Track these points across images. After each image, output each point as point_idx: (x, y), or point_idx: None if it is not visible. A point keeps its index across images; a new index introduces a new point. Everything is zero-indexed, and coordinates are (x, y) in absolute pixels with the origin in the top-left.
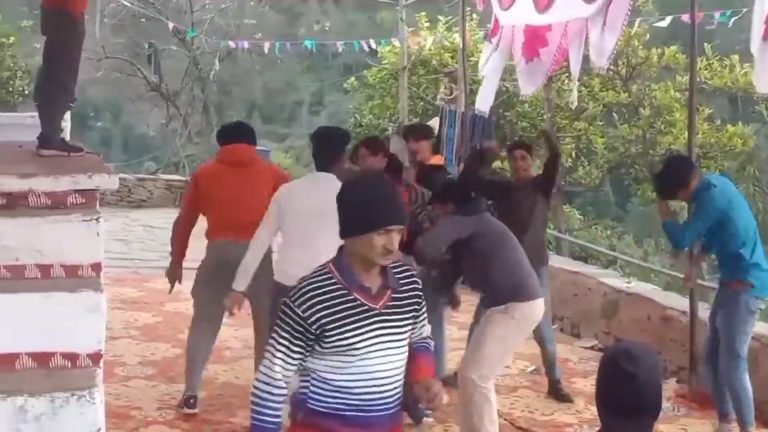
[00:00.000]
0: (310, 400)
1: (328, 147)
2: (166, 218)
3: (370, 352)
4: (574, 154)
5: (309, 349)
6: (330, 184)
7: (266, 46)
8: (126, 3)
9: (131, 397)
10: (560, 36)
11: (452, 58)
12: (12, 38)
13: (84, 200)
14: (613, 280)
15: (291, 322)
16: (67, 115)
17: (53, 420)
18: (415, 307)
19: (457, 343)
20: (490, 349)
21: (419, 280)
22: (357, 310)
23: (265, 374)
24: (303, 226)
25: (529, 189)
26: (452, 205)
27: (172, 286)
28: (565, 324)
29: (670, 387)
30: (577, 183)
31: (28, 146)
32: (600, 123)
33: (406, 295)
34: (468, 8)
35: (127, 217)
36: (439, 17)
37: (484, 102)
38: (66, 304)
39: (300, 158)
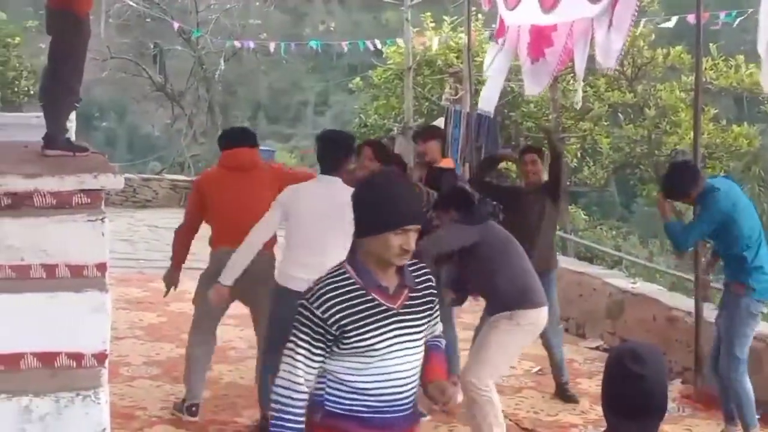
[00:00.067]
0: (327, 402)
1: (333, 150)
2: (171, 218)
3: (389, 352)
4: (579, 155)
5: (329, 350)
6: (335, 187)
7: (271, 46)
8: (131, 3)
9: (136, 397)
10: (566, 36)
11: (457, 58)
12: (17, 38)
13: (89, 200)
14: (619, 280)
15: (310, 324)
16: (73, 115)
17: (58, 420)
18: (431, 305)
19: (462, 344)
20: (492, 354)
21: (433, 277)
22: (376, 310)
23: (286, 379)
24: (308, 229)
25: (539, 193)
26: (455, 213)
27: (168, 291)
28: (570, 324)
29: (675, 388)
30: (582, 183)
31: (33, 146)
32: (605, 123)
33: (421, 293)
34: (473, 8)
35: (132, 217)
36: (445, 17)
37: (487, 102)
38: (71, 304)
39: (305, 158)
